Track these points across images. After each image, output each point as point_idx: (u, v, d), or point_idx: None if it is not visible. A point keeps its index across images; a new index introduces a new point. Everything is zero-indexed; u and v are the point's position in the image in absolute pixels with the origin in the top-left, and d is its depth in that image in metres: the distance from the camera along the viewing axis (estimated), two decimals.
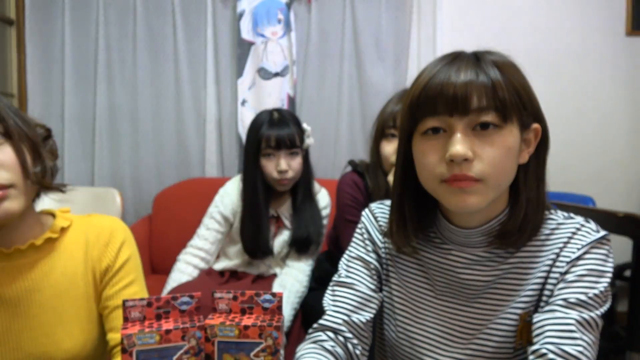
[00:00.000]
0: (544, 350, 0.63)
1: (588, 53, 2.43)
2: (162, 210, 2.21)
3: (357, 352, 0.78)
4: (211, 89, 2.42)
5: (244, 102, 2.39)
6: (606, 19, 2.42)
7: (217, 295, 0.92)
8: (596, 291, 0.66)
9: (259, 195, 1.61)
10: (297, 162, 1.60)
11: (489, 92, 0.64)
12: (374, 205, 0.88)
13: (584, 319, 0.64)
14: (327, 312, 0.82)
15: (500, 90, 0.64)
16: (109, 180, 2.44)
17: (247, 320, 0.88)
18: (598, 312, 0.65)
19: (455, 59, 0.68)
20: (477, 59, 0.68)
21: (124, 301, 0.81)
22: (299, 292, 1.59)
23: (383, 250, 0.83)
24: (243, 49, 2.36)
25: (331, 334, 0.79)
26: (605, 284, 0.67)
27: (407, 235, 0.76)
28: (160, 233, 2.19)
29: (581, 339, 0.63)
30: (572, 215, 0.74)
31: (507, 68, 0.68)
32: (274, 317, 0.91)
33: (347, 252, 0.88)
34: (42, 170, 0.82)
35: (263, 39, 2.34)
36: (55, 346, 0.85)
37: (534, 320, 0.67)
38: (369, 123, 2.41)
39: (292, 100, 2.38)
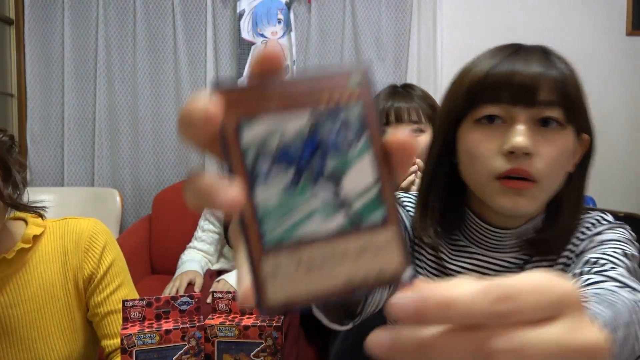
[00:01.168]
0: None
1: (588, 53, 2.43)
2: (162, 210, 2.21)
3: None
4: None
5: None
6: (606, 18, 2.42)
7: (217, 295, 0.92)
8: (619, 251, 0.60)
9: None
10: None
11: (558, 87, 0.59)
12: (401, 194, 0.81)
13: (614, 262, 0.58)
14: None
15: (570, 88, 0.60)
16: (109, 180, 2.44)
17: (247, 320, 0.88)
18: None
19: (519, 49, 0.63)
20: (544, 51, 0.63)
21: (124, 301, 0.81)
22: None
23: (410, 244, 0.77)
24: (243, 49, 2.36)
25: None
26: (631, 249, 0.61)
27: (426, 225, 0.70)
28: (160, 233, 2.18)
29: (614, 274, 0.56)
30: (588, 210, 0.71)
31: (573, 70, 0.63)
32: (274, 317, 0.90)
33: None
34: (14, 189, 0.77)
35: (263, 39, 2.34)
36: None
37: None
38: None
39: None
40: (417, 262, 0.76)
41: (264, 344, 0.86)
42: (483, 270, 0.69)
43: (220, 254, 1.76)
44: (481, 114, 0.62)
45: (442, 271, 0.73)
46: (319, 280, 0.23)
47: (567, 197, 0.66)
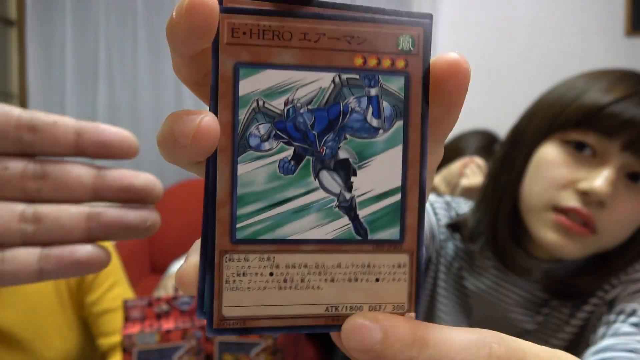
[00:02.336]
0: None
1: (587, 53, 2.43)
2: (162, 210, 2.20)
3: None
4: None
5: None
6: (606, 18, 2.42)
7: None
8: None
9: None
10: None
11: None
12: (432, 199, 0.74)
13: None
14: None
15: None
16: None
17: None
18: None
19: None
20: None
21: (125, 301, 0.82)
22: None
23: (437, 249, 0.70)
24: None
25: None
26: None
27: (503, 255, 0.61)
28: (160, 233, 2.19)
29: None
30: None
31: None
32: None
33: None
34: None
35: None
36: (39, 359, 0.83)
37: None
38: None
39: None
40: (442, 278, 0.71)
41: (264, 344, 0.86)
42: (502, 297, 0.64)
43: None
44: (575, 137, 0.54)
45: (459, 288, 0.69)
46: (294, 299, 0.18)
47: (622, 254, 0.58)
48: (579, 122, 0.53)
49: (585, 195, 0.52)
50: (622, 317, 0.53)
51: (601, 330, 0.54)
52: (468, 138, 1.21)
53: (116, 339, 0.87)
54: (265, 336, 0.86)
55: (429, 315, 0.71)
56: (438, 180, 1.16)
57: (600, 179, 0.50)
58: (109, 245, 0.92)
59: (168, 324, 0.85)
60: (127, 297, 0.91)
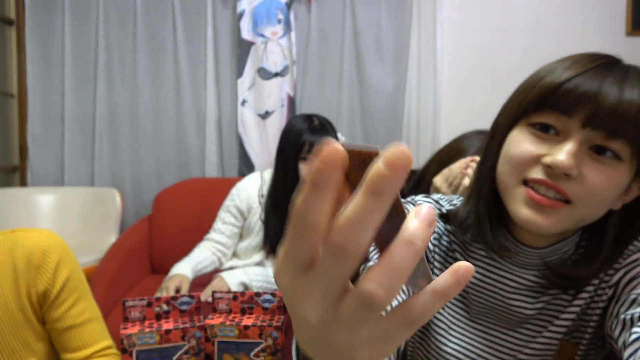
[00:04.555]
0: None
1: None
2: (162, 210, 2.21)
3: None
4: (211, 89, 2.42)
5: (244, 102, 2.39)
6: (606, 18, 2.42)
7: (217, 295, 0.92)
8: None
9: (295, 196, 1.62)
10: None
11: (632, 120, 0.53)
12: (417, 198, 0.76)
13: None
14: None
15: None
16: (109, 181, 2.44)
17: (247, 320, 0.88)
18: None
19: (611, 64, 0.57)
20: (627, 74, 0.57)
21: (124, 301, 0.81)
22: (271, 277, 1.58)
23: (431, 247, 0.72)
24: (243, 49, 2.36)
25: None
26: None
27: (485, 236, 0.64)
28: (160, 233, 2.19)
29: None
30: None
31: None
32: (274, 317, 0.91)
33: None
34: None
35: (263, 39, 2.34)
36: None
37: (626, 352, 0.54)
38: (369, 123, 2.42)
39: (292, 101, 2.38)
40: (435, 266, 0.72)
41: (264, 344, 0.86)
42: (500, 285, 0.66)
43: (233, 252, 1.76)
44: (538, 119, 0.57)
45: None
46: None
47: (609, 237, 0.60)
48: (540, 104, 0.57)
49: (550, 169, 0.55)
50: (637, 310, 0.54)
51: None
52: (469, 138, 1.21)
53: (83, 354, 0.85)
54: (265, 336, 0.86)
55: None
56: (439, 181, 1.16)
57: (562, 153, 0.54)
58: (74, 262, 0.88)
59: (168, 324, 0.84)
60: (91, 311, 0.88)
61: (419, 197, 0.76)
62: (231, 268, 1.67)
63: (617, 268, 0.61)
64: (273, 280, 1.56)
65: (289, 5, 2.34)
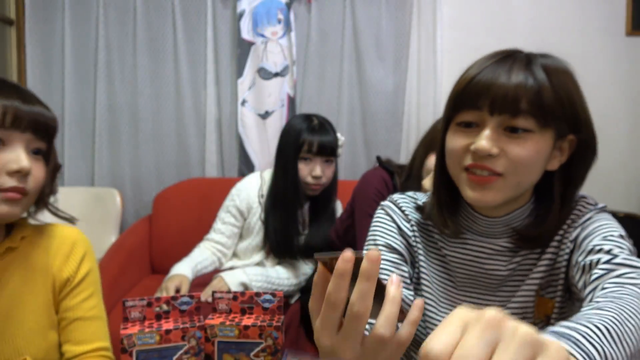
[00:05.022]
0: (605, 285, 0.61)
1: (588, 53, 2.43)
2: (162, 210, 2.21)
3: None
4: (211, 89, 2.41)
5: (244, 102, 2.39)
6: (606, 18, 2.42)
7: (217, 295, 0.92)
8: (615, 233, 0.69)
9: (300, 198, 1.63)
10: (331, 170, 1.62)
11: (533, 98, 0.65)
12: (395, 196, 0.88)
13: (617, 253, 0.65)
14: None
15: (546, 97, 0.65)
16: (109, 180, 2.44)
17: (247, 320, 0.88)
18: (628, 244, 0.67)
19: (507, 57, 0.70)
20: (528, 60, 0.69)
21: (124, 301, 0.81)
22: (280, 278, 1.57)
23: (413, 239, 0.83)
24: (243, 49, 2.36)
25: None
26: (622, 231, 0.70)
27: (445, 219, 0.78)
28: (160, 233, 2.19)
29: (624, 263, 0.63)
30: None
31: (557, 74, 0.68)
32: (274, 317, 0.91)
33: (369, 242, 0.84)
34: (49, 193, 0.88)
35: (263, 39, 2.34)
36: (17, 354, 0.83)
37: (586, 290, 0.65)
38: (369, 123, 2.42)
39: (292, 100, 2.38)
40: (426, 263, 0.81)
41: (264, 344, 0.86)
42: (476, 254, 0.77)
43: (233, 252, 1.76)
44: (461, 119, 0.70)
45: (444, 265, 0.80)
46: None
47: (554, 195, 0.72)
48: (457, 106, 0.70)
49: (477, 154, 0.67)
50: (595, 256, 0.66)
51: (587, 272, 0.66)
52: None
53: (83, 348, 0.87)
54: (265, 336, 0.86)
55: (428, 281, 0.81)
56: (428, 183, 1.17)
57: (481, 139, 0.66)
58: (95, 261, 0.95)
59: (168, 324, 0.84)
60: (100, 309, 0.93)
61: (396, 196, 0.88)
62: (231, 268, 1.67)
63: (575, 226, 0.73)
64: (273, 280, 1.56)
65: (289, 5, 2.34)
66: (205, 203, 2.10)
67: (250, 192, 1.69)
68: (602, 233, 0.69)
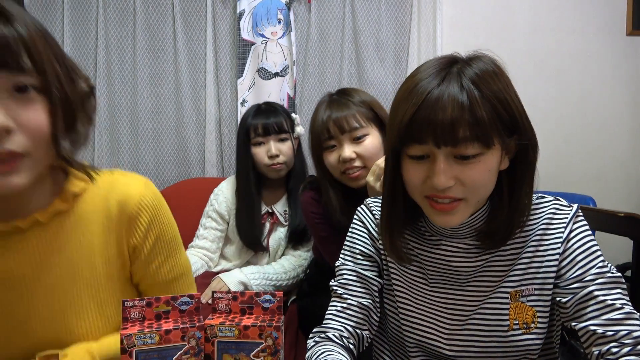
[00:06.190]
0: (591, 328, 0.70)
1: (588, 53, 2.43)
2: None
3: (365, 334, 0.86)
4: (211, 89, 2.41)
5: (244, 102, 2.39)
6: (606, 18, 2.42)
7: (217, 295, 0.92)
8: (598, 259, 0.74)
9: (251, 185, 1.63)
10: (287, 147, 1.61)
11: (471, 123, 0.66)
12: (369, 200, 0.92)
13: (605, 284, 0.72)
14: (332, 324, 0.86)
15: (481, 118, 0.66)
16: None
17: (247, 321, 0.88)
18: (611, 269, 0.74)
19: (444, 78, 0.69)
20: (459, 79, 0.68)
21: (124, 301, 0.81)
22: (277, 273, 1.57)
23: (380, 242, 0.87)
24: (243, 49, 2.36)
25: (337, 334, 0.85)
26: (597, 246, 0.76)
27: (395, 247, 0.81)
28: None
29: (615, 300, 0.71)
30: (541, 195, 0.81)
31: (486, 82, 0.68)
32: (274, 317, 0.91)
33: (345, 248, 0.89)
34: (72, 143, 0.66)
35: (263, 39, 2.34)
36: (68, 332, 0.73)
37: (566, 304, 0.73)
38: None
39: (292, 100, 2.38)
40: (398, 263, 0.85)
41: (264, 344, 0.86)
42: (448, 254, 0.81)
43: (221, 255, 1.76)
44: (411, 152, 0.72)
45: (417, 262, 0.84)
46: None
47: (507, 192, 0.75)
48: (404, 142, 0.71)
49: (435, 188, 0.70)
50: (594, 310, 0.71)
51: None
52: None
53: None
54: (265, 336, 0.86)
55: (401, 279, 0.85)
56: (372, 179, 1.17)
57: (436, 176, 0.69)
58: (166, 215, 0.83)
59: (168, 324, 0.84)
60: (181, 266, 0.85)
61: (370, 199, 0.92)
62: (221, 271, 1.67)
63: (563, 225, 0.76)
64: (270, 276, 1.56)
65: (289, 5, 2.34)
66: (205, 203, 2.09)
67: (227, 194, 1.70)
68: (586, 259, 0.74)
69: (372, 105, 1.30)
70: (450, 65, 0.71)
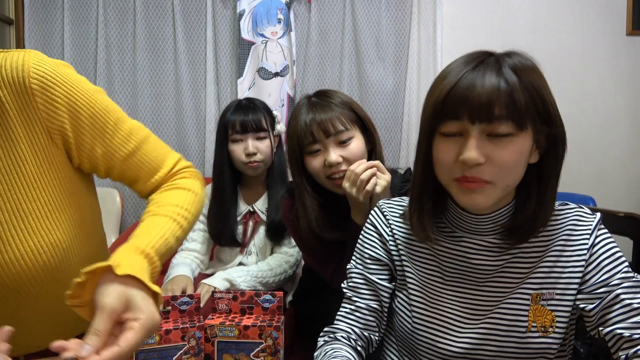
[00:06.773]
0: (618, 331, 0.70)
1: (588, 53, 2.43)
2: None
3: (374, 337, 0.86)
4: (211, 89, 2.41)
5: None
6: (606, 18, 2.42)
7: (217, 295, 0.92)
8: (623, 264, 0.76)
9: (225, 179, 1.63)
10: (265, 145, 1.60)
11: (508, 103, 0.68)
12: (381, 202, 0.92)
13: (631, 287, 0.73)
14: (341, 326, 0.86)
15: (518, 98, 0.68)
16: (109, 181, 2.41)
17: (247, 321, 0.88)
18: (636, 275, 0.75)
19: (479, 64, 0.71)
20: (498, 64, 0.71)
21: None
22: (262, 270, 1.57)
23: (392, 243, 0.86)
24: (243, 49, 2.36)
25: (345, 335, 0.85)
26: (621, 252, 0.77)
27: (424, 225, 0.80)
28: None
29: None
30: (564, 202, 0.82)
31: (526, 73, 0.71)
32: (274, 317, 0.91)
33: (356, 250, 0.90)
34: None
35: (263, 38, 2.34)
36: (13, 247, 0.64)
37: (591, 312, 0.73)
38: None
39: (292, 100, 2.38)
40: (414, 260, 0.85)
41: (264, 344, 0.86)
42: (469, 251, 0.79)
43: (216, 258, 1.75)
44: (444, 129, 0.73)
45: (435, 259, 0.83)
46: None
47: (535, 186, 0.76)
48: (438, 118, 0.72)
49: (465, 164, 0.70)
50: (623, 313, 0.71)
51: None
52: None
53: (156, 179, 0.80)
54: (265, 336, 0.86)
55: (416, 277, 0.84)
56: (348, 186, 1.15)
57: (468, 150, 0.69)
58: (82, 85, 0.72)
59: (168, 324, 0.84)
60: (137, 132, 0.76)
61: (383, 202, 0.91)
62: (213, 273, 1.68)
63: (588, 233, 0.77)
64: (255, 273, 1.55)
65: (289, 5, 2.34)
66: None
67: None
68: (611, 264, 0.76)
69: (352, 105, 1.29)
70: (487, 57, 0.74)
